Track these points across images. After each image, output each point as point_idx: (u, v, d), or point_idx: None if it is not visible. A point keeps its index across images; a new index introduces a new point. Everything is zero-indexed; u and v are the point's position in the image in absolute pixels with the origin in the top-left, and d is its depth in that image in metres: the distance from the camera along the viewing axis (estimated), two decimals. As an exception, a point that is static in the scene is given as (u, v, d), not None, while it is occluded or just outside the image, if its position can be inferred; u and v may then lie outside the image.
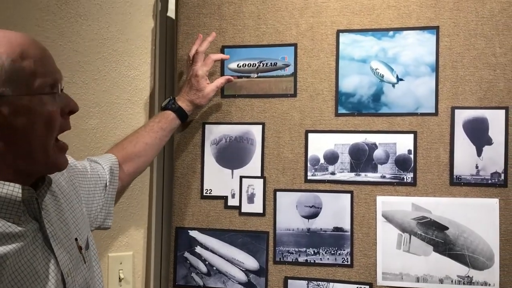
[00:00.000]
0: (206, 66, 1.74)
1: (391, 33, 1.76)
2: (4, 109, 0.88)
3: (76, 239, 1.11)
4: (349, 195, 1.78)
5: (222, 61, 1.87)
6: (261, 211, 1.83)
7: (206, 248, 1.85)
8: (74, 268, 1.06)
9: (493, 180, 1.70)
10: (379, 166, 1.77)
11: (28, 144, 0.92)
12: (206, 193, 1.86)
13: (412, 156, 1.74)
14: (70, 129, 1.03)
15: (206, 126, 1.87)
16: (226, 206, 1.85)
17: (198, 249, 1.86)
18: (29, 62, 0.90)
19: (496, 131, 1.70)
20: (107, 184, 1.46)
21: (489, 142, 1.71)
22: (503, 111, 1.70)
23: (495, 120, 1.71)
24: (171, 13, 1.95)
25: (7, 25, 1.56)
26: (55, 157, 0.98)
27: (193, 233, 1.86)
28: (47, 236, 0.99)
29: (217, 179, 1.86)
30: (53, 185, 1.13)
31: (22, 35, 0.94)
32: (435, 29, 1.73)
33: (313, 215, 1.80)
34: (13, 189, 0.91)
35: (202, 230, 1.86)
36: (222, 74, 1.87)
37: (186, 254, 1.86)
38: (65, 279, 1.00)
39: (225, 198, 1.85)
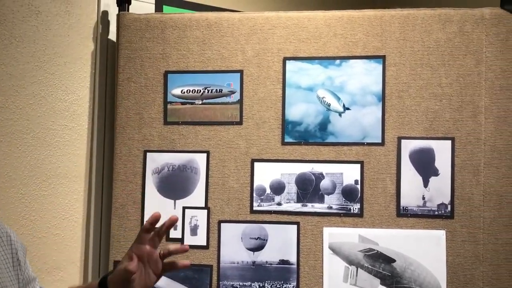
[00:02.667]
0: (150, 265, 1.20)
1: (337, 61, 1.78)
2: None
3: None
4: (295, 226, 1.77)
5: (165, 87, 1.84)
6: (204, 243, 1.79)
7: (146, 283, 1.79)
8: None
9: (440, 212, 1.72)
10: (326, 196, 1.76)
11: None
12: (146, 224, 1.81)
13: (359, 186, 1.75)
14: None
15: (148, 154, 1.83)
16: (168, 239, 1.81)
17: (138, 284, 1.80)
18: None
19: (443, 161, 1.73)
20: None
21: (435, 173, 1.73)
22: (449, 141, 1.73)
23: (442, 150, 1.73)
24: (112, 35, 1.92)
25: None
26: None
27: (132, 267, 1.80)
28: None
29: (159, 210, 1.78)
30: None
31: None
32: (382, 58, 1.76)
33: (258, 247, 1.78)
34: None
35: (142, 264, 1.80)
36: (165, 100, 1.84)
37: (125, 290, 1.80)
38: None
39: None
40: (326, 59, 1.78)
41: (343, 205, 1.75)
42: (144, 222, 1.74)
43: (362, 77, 1.76)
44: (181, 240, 1.80)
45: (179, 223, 1.80)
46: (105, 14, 1.93)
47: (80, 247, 1.87)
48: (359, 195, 1.75)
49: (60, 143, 1.82)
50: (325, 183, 1.77)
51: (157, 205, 1.82)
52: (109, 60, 1.94)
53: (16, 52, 1.74)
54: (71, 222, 1.84)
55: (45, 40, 1.80)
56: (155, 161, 1.83)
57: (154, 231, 1.16)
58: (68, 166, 1.85)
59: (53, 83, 1.81)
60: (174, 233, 1.81)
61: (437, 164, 1.73)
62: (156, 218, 1.15)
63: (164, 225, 1.15)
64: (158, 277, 1.20)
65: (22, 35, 1.76)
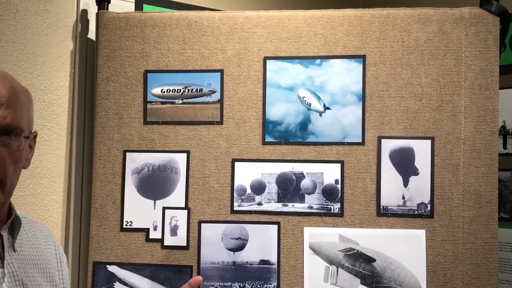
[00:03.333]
0: None
1: (318, 61, 1.78)
2: None
3: None
4: (276, 226, 1.77)
5: (145, 86, 1.83)
6: (184, 244, 1.79)
7: (126, 284, 1.79)
8: None
9: (420, 211, 1.73)
10: (306, 196, 1.77)
11: None
12: (126, 225, 1.81)
13: (339, 186, 1.75)
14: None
15: (128, 154, 1.83)
16: (148, 239, 1.80)
17: (117, 286, 1.79)
18: None
19: (422, 161, 1.74)
20: None
21: (415, 172, 1.74)
22: (429, 141, 1.74)
23: (421, 150, 1.74)
24: (91, 34, 1.91)
25: None
26: None
27: (111, 268, 1.79)
28: (5, 276, 0.98)
29: (138, 210, 1.81)
30: (42, 235, 1.17)
31: None
32: (362, 57, 1.77)
33: (239, 248, 1.78)
34: None
35: (121, 265, 1.80)
36: (145, 99, 1.83)
37: (104, 291, 1.79)
38: None
39: (146, 231, 1.80)
40: (306, 59, 1.78)
41: (323, 204, 1.76)
42: (124, 223, 1.75)
43: (343, 76, 1.77)
44: (161, 241, 1.80)
45: (159, 223, 1.80)
46: (84, 12, 1.92)
47: (59, 248, 1.86)
48: (340, 194, 1.75)
49: (39, 143, 1.80)
50: (305, 183, 1.77)
51: (137, 206, 1.81)
52: (88, 59, 1.93)
53: (-6, 51, 1.73)
54: (50, 223, 1.83)
55: (23, 39, 1.79)
56: (135, 161, 1.83)
57: None
58: (47, 166, 1.84)
59: (32, 82, 1.80)
60: (154, 234, 1.80)
61: (417, 163, 1.74)
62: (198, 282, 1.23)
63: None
64: None
65: (0, 34, 1.74)
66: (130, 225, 1.81)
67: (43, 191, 1.83)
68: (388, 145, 1.75)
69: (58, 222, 1.86)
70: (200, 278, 1.23)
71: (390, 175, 1.74)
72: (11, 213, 1.07)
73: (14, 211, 1.08)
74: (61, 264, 1.22)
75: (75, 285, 1.87)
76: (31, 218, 1.22)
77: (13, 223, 1.05)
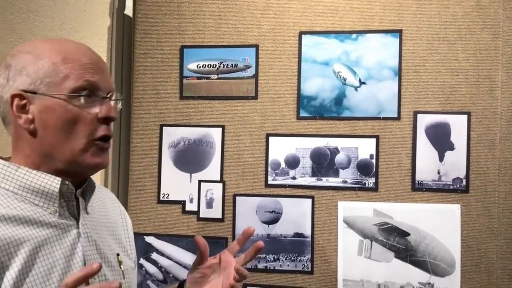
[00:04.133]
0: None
1: (354, 35, 1.78)
2: (39, 105, 0.99)
3: (118, 254, 1.14)
4: (310, 200, 1.79)
5: (181, 62, 1.86)
6: (220, 216, 1.83)
7: (163, 254, 1.84)
8: (106, 275, 1.07)
9: (455, 186, 1.73)
10: (340, 171, 1.78)
11: (62, 142, 1.01)
12: (163, 197, 1.85)
13: (374, 161, 1.76)
14: (112, 136, 1.08)
15: (164, 128, 1.86)
16: (184, 211, 1.84)
17: (154, 256, 1.84)
18: (67, 66, 1.00)
19: (458, 136, 1.74)
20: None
21: (451, 147, 1.74)
22: (465, 116, 1.74)
23: (457, 125, 1.74)
24: (128, 11, 1.94)
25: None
26: (88, 158, 1.03)
27: (149, 239, 1.84)
28: (81, 235, 1.03)
29: (175, 183, 1.85)
30: (110, 201, 1.23)
31: (76, 44, 1.05)
32: (398, 32, 1.76)
33: (273, 221, 1.81)
34: (53, 181, 1.00)
35: (158, 236, 1.84)
36: (181, 74, 1.86)
37: (142, 261, 1.84)
38: (89, 281, 1.00)
39: (183, 203, 1.84)
40: (342, 33, 1.79)
41: (358, 179, 1.77)
42: (161, 195, 1.79)
43: (379, 51, 1.77)
44: (197, 213, 1.83)
45: (195, 196, 1.84)
46: (121, -12, 1.95)
47: (97, 219, 1.91)
48: (374, 169, 1.76)
49: (78, 117, 1.84)
50: (340, 158, 1.79)
51: (173, 179, 1.85)
52: (125, 35, 1.96)
53: (33, 26, 1.76)
54: (89, 195, 1.88)
55: (62, 14, 1.82)
56: (171, 135, 1.86)
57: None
58: (86, 140, 1.88)
59: (71, 57, 1.83)
60: (190, 206, 1.84)
61: (453, 138, 1.74)
62: (249, 234, 1.24)
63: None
64: None
65: (40, 9, 1.78)
66: (167, 198, 1.85)
67: (82, 164, 1.88)
68: (424, 120, 1.75)
69: (96, 195, 1.90)
70: (252, 228, 1.24)
71: (425, 150, 1.75)
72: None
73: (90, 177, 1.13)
74: (127, 228, 1.27)
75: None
76: (97, 183, 1.25)
77: (85, 187, 1.09)
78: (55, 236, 0.99)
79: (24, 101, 0.99)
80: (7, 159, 1.05)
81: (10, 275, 0.90)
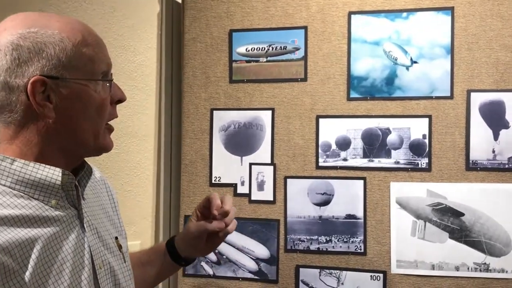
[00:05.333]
0: None
1: (404, 14, 1.76)
2: (62, 92, 0.92)
3: (116, 238, 1.12)
4: (362, 181, 1.79)
5: (230, 46, 1.88)
6: (271, 198, 1.85)
7: (216, 236, 1.87)
8: (110, 263, 1.06)
9: (510, 165, 1.70)
10: (392, 151, 1.78)
11: (80, 127, 0.96)
12: (215, 180, 1.88)
13: (426, 141, 1.75)
14: (117, 117, 1.07)
15: (214, 112, 1.89)
16: (236, 194, 1.87)
17: (208, 238, 1.87)
18: (88, 48, 0.95)
19: (514, 114, 1.71)
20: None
21: (506, 125, 1.72)
22: (521, 93, 1.70)
23: (513, 103, 1.71)
24: (177, -4, 1.97)
25: (11, 9, 1.57)
26: (104, 140, 1.01)
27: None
28: (84, 225, 1.00)
29: (226, 166, 1.88)
30: (95, 181, 1.17)
31: (80, 22, 0.98)
32: (450, 10, 1.74)
33: (325, 202, 1.82)
34: (53, 172, 0.93)
35: (211, 219, 1.87)
36: (231, 58, 1.88)
37: (195, 243, 1.88)
38: (96, 271, 1.00)
39: (234, 186, 1.87)
40: (392, 12, 1.77)
41: (410, 159, 1.76)
42: (213, 178, 1.82)
43: (430, 29, 1.75)
44: (248, 196, 1.86)
45: (246, 179, 1.86)
46: (169, -25, 1.98)
47: (151, 202, 1.96)
48: (427, 149, 1.75)
49: (130, 103, 1.89)
50: (392, 138, 1.78)
51: (224, 162, 1.88)
52: (174, 21, 1.99)
53: (86, 14, 1.81)
54: (142, 179, 1.93)
55: (113, 2, 1.86)
56: (222, 118, 1.89)
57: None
58: (138, 125, 1.93)
59: (122, 44, 1.88)
60: (242, 189, 1.87)
61: (508, 116, 1.71)
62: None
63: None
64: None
65: (92, -3, 1.82)
66: (218, 181, 1.88)
67: (135, 149, 1.92)
68: (478, 99, 1.72)
69: (149, 178, 1.95)
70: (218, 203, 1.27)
71: (479, 129, 1.72)
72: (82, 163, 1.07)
73: (84, 160, 1.08)
74: (114, 201, 1.23)
75: (167, 237, 1.97)
76: None
77: (83, 174, 1.05)
78: (61, 231, 0.94)
79: (43, 88, 0.90)
80: None
81: (27, 277, 0.85)
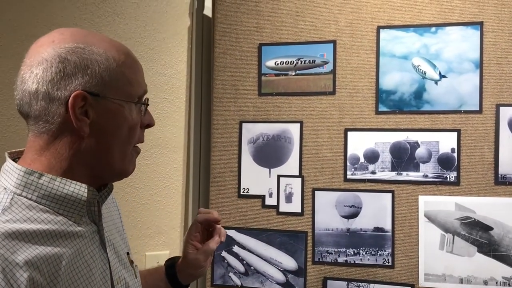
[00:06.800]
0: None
1: (433, 29, 1.78)
2: (100, 109, 0.94)
3: (127, 253, 1.15)
4: (390, 194, 1.81)
5: (260, 59, 1.91)
6: (299, 210, 1.87)
7: (244, 247, 1.90)
8: (125, 278, 1.08)
9: (540, 180, 1.71)
10: (421, 165, 1.79)
11: (110, 145, 0.97)
12: (243, 192, 1.91)
13: (455, 154, 1.76)
14: (143, 142, 1.10)
15: (243, 124, 1.92)
16: (264, 205, 1.90)
17: (236, 249, 1.90)
18: (130, 71, 0.98)
19: (543, 129, 1.71)
20: None
21: (535, 140, 1.72)
22: (551, 108, 1.71)
23: (542, 117, 1.71)
24: (207, 11, 2.01)
25: (46, 23, 1.63)
26: (129, 162, 1.03)
27: (230, 232, 1.90)
28: (103, 240, 1.02)
29: (254, 178, 1.91)
30: (111, 197, 1.19)
31: (123, 45, 1.01)
32: (479, 24, 1.75)
33: (352, 215, 1.83)
34: (79, 188, 0.94)
35: (239, 230, 1.90)
36: (260, 72, 1.91)
37: (224, 254, 1.91)
38: (115, 286, 1.03)
39: (262, 197, 1.90)
40: (421, 27, 1.79)
41: (439, 173, 1.77)
42: (241, 190, 1.84)
43: (459, 44, 1.76)
44: (276, 208, 1.88)
45: (274, 191, 1.89)
46: (200, -11, 2.03)
47: (180, 213, 1.99)
48: (456, 163, 1.76)
49: (161, 115, 1.93)
50: (420, 152, 1.79)
51: (253, 174, 1.91)
52: (204, 35, 2.03)
53: (119, 28, 1.85)
54: (171, 190, 1.96)
55: (145, 16, 1.91)
56: (250, 131, 1.92)
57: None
58: (168, 137, 1.97)
59: (153, 57, 1.92)
60: (270, 200, 1.89)
61: (538, 131, 1.72)
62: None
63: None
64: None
65: (124, 12, 1.87)
66: (247, 192, 1.91)
67: (165, 160, 1.96)
68: (507, 113, 1.73)
69: (178, 189, 1.98)
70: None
71: (508, 143, 1.73)
72: None
73: None
74: (120, 215, 1.24)
75: (195, 248, 2.00)
76: None
77: (106, 191, 1.06)
78: (83, 246, 0.95)
79: (83, 103, 0.92)
80: (15, 155, 0.99)
81: None
